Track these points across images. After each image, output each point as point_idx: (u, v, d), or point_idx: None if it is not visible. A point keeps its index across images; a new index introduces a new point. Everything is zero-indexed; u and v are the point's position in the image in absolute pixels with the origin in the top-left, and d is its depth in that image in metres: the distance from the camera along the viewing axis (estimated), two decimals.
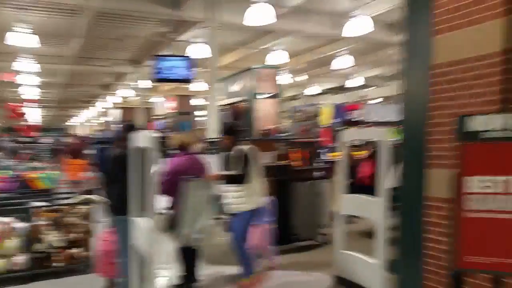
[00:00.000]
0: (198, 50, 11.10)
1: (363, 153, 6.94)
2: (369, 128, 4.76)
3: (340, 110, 7.73)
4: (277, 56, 13.10)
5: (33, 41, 8.88)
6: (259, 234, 4.51)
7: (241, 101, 13.19)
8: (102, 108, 28.12)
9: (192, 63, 8.27)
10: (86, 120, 36.63)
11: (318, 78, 20.44)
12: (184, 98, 19.39)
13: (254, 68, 12.57)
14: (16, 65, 12.38)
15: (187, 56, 8.36)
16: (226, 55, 15.61)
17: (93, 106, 29.21)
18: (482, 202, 2.35)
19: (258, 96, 12.60)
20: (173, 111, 19.35)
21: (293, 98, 24.84)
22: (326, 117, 7.49)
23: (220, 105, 14.40)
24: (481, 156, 2.36)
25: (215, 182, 4.02)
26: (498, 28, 2.92)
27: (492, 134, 2.33)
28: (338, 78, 20.05)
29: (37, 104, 25.54)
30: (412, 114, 3.57)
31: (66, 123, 40.37)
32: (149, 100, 23.33)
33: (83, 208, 4.99)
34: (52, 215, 4.96)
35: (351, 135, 4.47)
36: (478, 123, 2.36)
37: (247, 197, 3.99)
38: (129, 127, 3.87)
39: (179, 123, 17.80)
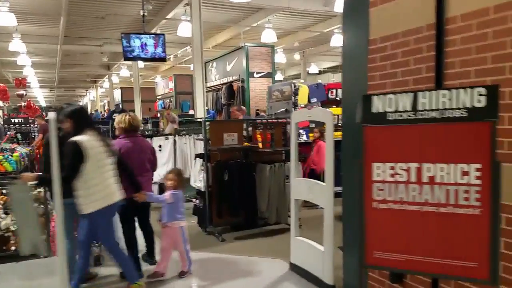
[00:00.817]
0: (186, 28, 10.86)
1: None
2: (317, 108, 4.47)
3: (319, 89, 7.43)
4: (270, 34, 12.76)
5: (11, 19, 8.71)
6: (169, 234, 4.05)
7: (235, 80, 12.98)
8: (104, 88, 28.07)
9: (164, 40, 7.99)
10: (92, 101, 36.77)
11: (318, 57, 19.98)
12: (183, 78, 19.18)
13: (247, 46, 12.29)
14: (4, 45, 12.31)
15: (160, 34, 8.08)
16: (219, 33, 15.28)
17: (100, 86, 29.21)
18: (392, 191, 2.12)
19: (252, 75, 12.40)
20: (172, 91, 19.20)
21: (295, 77, 24.39)
22: (302, 97, 7.21)
23: (214, 85, 14.26)
24: (391, 140, 2.12)
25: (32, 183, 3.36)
26: None
27: (403, 116, 2.08)
28: (338, 56, 19.56)
29: (37, 84, 25.61)
30: (352, 95, 3.33)
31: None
32: (153, 80, 23.19)
33: (38, 191, 4.89)
34: (5, 198, 4.90)
35: (300, 116, 4.21)
36: (386, 103, 2.12)
37: (88, 197, 3.36)
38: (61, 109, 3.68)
39: (181, 103, 17.72)
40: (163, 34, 8.27)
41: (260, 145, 5.63)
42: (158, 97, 21.16)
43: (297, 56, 19.07)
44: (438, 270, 2.05)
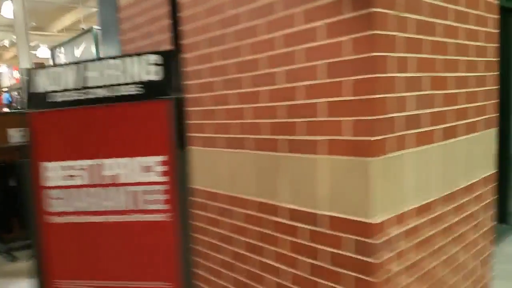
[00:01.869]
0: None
1: None
2: None
3: None
4: None
5: None
6: None
7: None
8: None
9: None
10: None
11: None
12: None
13: (95, 29, 11.00)
14: None
15: None
16: (65, 15, 13.56)
17: None
18: (69, 199, 1.57)
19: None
20: (19, 81, 16.69)
21: None
22: None
23: None
24: (61, 130, 1.56)
25: None
26: None
27: (71, 96, 1.53)
28: None
29: None
30: None
31: None
32: None
33: None
34: None
35: None
36: (51, 80, 1.54)
37: None
38: None
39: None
40: None
41: None
42: (3, 89, 18.31)
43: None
44: None
